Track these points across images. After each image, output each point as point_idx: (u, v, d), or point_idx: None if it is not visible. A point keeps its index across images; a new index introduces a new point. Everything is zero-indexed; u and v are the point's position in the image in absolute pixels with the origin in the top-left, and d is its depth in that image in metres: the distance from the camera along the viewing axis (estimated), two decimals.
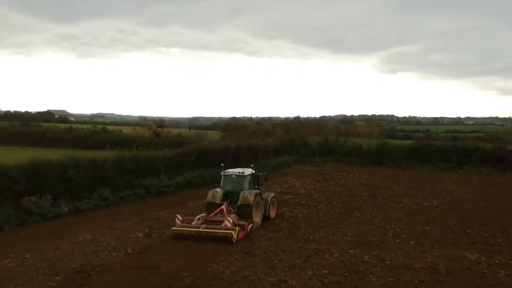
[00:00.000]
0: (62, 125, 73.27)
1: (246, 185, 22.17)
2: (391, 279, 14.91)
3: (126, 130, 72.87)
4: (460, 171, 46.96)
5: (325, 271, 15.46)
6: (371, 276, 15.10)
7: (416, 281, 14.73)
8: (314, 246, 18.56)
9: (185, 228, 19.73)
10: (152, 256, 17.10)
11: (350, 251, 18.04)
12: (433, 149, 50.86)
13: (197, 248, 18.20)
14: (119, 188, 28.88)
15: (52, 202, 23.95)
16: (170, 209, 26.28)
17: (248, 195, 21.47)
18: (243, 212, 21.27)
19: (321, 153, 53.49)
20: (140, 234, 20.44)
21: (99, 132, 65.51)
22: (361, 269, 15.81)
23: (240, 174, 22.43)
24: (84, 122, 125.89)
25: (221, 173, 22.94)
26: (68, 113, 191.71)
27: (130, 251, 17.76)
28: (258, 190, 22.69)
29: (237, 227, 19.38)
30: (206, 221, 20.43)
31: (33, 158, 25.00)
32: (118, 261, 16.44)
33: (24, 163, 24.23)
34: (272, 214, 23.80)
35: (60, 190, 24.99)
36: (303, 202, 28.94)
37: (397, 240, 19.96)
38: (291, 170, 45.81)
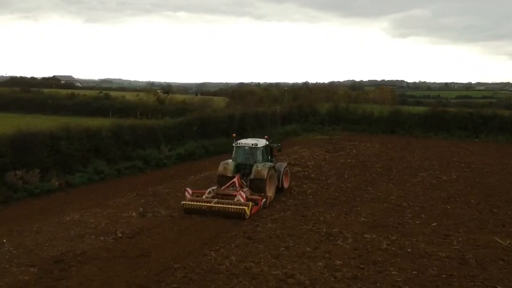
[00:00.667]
0: (64, 91, 71.13)
1: (260, 157, 20.75)
2: (414, 272, 12.94)
3: (129, 96, 70.75)
4: (476, 139, 44.75)
5: (338, 262, 13.51)
6: (391, 269, 13.14)
7: (444, 276, 12.75)
8: (325, 230, 16.56)
9: (195, 203, 18.48)
10: (144, 242, 15.22)
11: (365, 235, 16.06)
12: (448, 117, 48.45)
13: (194, 231, 16.34)
14: (116, 160, 27.03)
15: (41, 177, 22.15)
16: (169, 183, 24.50)
17: (261, 168, 20.08)
18: (256, 186, 19.96)
19: (331, 121, 51.44)
20: (134, 214, 18.59)
21: (102, 99, 63.35)
22: (379, 259, 13.83)
23: (254, 146, 20.88)
24: (91, 88, 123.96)
25: (233, 144, 21.44)
26: (74, 78, 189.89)
27: (120, 235, 15.90)
28: (271, 163, 21.34)
29: (250, 203, 18.16)
30: (218, 195, 19.25)
31: (20, 128, 22.99)
32: (104, 248, 14.59)
33: (10, 134, 22.31)
34: (286, 184, 22.70)
35: (50, 163, 23.17)
36: (312, 175, 26.96)
37: (417, 222, 17.95)
38: (300, 139, 43.76)
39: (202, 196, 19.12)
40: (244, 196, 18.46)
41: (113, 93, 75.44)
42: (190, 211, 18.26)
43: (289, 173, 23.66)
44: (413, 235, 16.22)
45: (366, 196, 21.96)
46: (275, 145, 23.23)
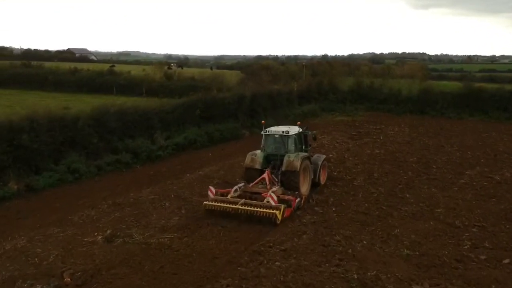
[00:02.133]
0: (66, 66, 66.67)
1: (292, 146, 18.58)
2: None
3: (136, 71, 66.15)
4: None
5: None
6: None
7: None
8: (355, 275, 11.66)
9: (219, 204, 16.13)
10: None
11: (413, 287, 11.23)
12: (485, 96, 43.02)
13: (172, 274, 11.62)
14: (98, 154, 22.45)
15: None
16: (158, 184, 19.95)
17: (294, 159, 17.77)
18: (288, 179, 17.67)
19: (353, 99, 46.48)
20: (100, 237, 14.03)
21: (105, 74, 58.82)
22: None
23: (285, 133, 18.55)
24: (105, 61, 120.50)
25: (262, 132, 19.06)
26: (89, 51, 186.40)
27: (67, 279, 11.34)
28: (305, 153, 19.03)
29: (283, 205, 15.68)
30: (245, 193, 17.01)
31: None
32: None
33: None
34: (323, 180, 20.28)
35: (8, 162, 18.66)
36: (335, 173, 22.11)
37: (482, 256, 12.96)
38: (318, 121, 38.82)
39: (227, 196, 16.73)
40: (275, 198, 15.80)
41: (120, 68, 71.05)
42: (212, 213, 15.99)
43: (327, 167, 21.18)
44: (482, 284, 11.34)
45: (405, 209, 16.97)
46: (310, 132, 20.58)
